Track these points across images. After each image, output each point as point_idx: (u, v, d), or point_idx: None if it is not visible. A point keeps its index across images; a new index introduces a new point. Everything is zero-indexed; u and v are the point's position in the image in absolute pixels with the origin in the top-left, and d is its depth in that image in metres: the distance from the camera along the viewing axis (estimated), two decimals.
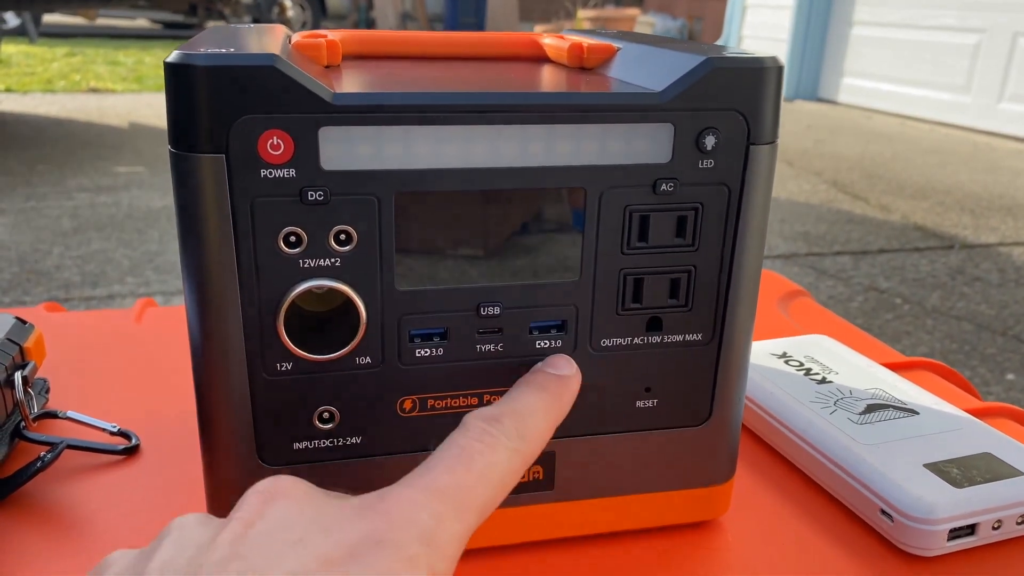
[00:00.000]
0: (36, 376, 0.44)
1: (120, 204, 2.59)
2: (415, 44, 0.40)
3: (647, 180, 0.30)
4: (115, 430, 0.43)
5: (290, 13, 7.60)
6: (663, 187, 0.31)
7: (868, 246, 2.42)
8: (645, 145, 0.30)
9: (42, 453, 0.38)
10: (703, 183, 0.31)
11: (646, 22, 7.06)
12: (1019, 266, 2.29)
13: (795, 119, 4.48)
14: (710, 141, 0.30)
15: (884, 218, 2.70)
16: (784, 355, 0.49)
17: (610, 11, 7.32)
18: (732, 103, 0.30)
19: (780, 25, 5.15)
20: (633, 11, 7.12)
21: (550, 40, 0.40)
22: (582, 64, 0.37)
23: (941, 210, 2.80)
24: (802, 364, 0.48)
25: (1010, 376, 1.64)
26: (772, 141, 0.31)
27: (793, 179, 3.14)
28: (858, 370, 0.47)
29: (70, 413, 0.43)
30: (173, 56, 0.27)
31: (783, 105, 4.91)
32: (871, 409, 0.43)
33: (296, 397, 0.30)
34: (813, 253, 2.35)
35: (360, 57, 0.39)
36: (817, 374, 0.46)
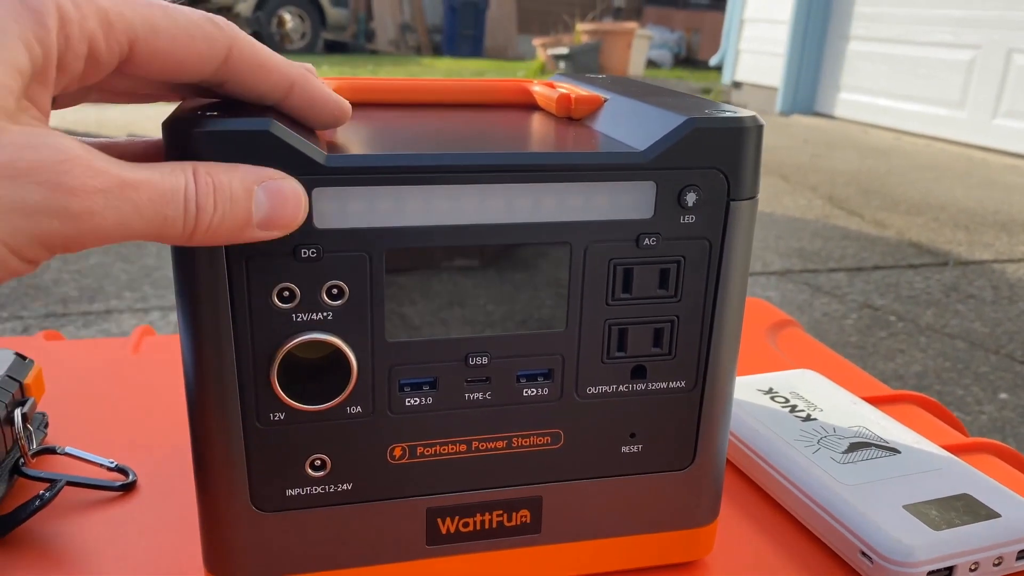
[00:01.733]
0: (35, 411, 0.45)
1: None
2: (408, 92, 0.41)
3: (631, 235, 0.31)
4: (112, 466, 0.43)
5: (289, 26, 7.64)
6: (646, 241, 0.32)
7: (863, 263, 2.43)
8: (628, 201, 0.31)
9: (42, 491, 0.39)
10: (685, 237, 0.32)
11: (644, 35, 7.10)
12: (1013, 283, 2.30)
13: (791, 133, 4.51)
14: (691, 198, 0.31)
15: (879, 234, 2.71)
16: (770, 391, 0.50)
17: (608, 24, 7.36)
18: (712, 161, 0.31)
19: (777, 39, 5.19)
20: (631, 25, 7.16)
21: (540, 89, 0.41)
22: (569, 115, 0.38)
23: (936, 226, 2.81)
24: (787, 400, 0.49)
25: (1003, 395, 1.65)
26: (752, 196, 0.32)
27: (789, 194, 3.15)
28: (842, 407, 0.48)
29: (68, 449, 0.43)
30: (170, 118, 0.28)
31: (779, 119, 4.94)
32: (854, 448, 0.43)
33: (289, 445, 0.31)
34: (808, 269, 2.36)
35: (353, 105, 0.40)
36: (802, 411, 0.47)
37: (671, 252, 0.32)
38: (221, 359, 0.30)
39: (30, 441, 0.42)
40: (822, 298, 2.14)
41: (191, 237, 0.25)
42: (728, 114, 0.32)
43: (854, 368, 0.61)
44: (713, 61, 6.23)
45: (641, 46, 6.89)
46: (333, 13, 8.07)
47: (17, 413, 0.41)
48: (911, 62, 4.49)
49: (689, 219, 0.32)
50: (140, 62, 0.25)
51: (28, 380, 0.44)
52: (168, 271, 2.15)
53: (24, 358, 0.45)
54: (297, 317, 0.30)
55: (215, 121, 0.27)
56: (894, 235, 2.71)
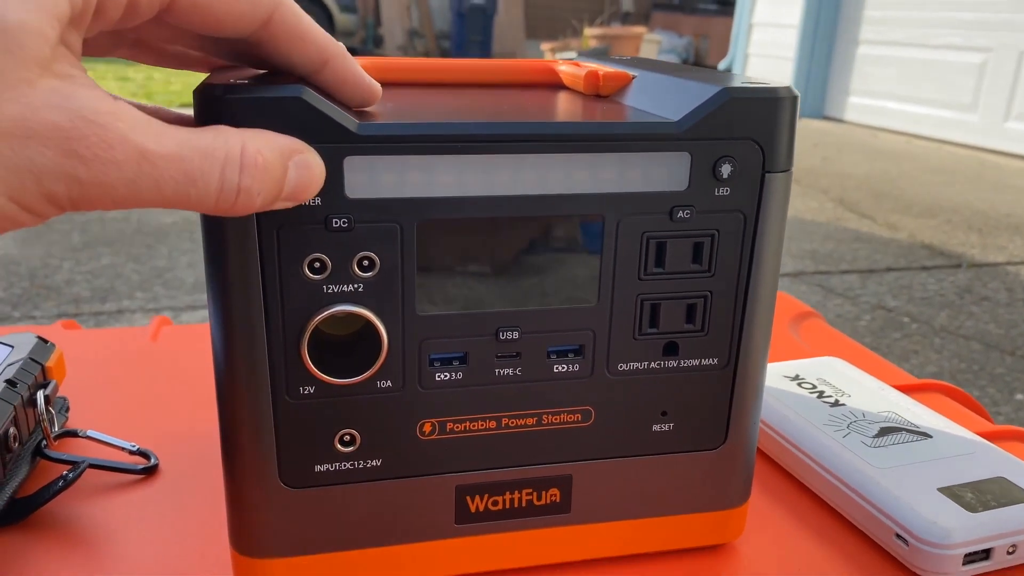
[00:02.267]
0: (57, 395, 0.45)
1: (130, 219, 2.61)
2: (434, 71, 0.41)
3: (664, 207, 0.31)
4: (134, 449, 0.43)
5: None
6: (680, 214, 0.31)
7: (875, 264, 2.42)
8: (662, 173, 0.31)
9: (64, 472, 0.39)
10: (719, 210, 0.31)
11: (652, 40, 7.11)
12: None
13: (801, 137, 4.50)
14: (726, 169, 0.31)
15: (891, 236, 2.70)
16: (797, 377, 0.49)
17: (616, 29, 7.37)
18: (748, 132, 0.31)
19: (786, 43, 5.18)
20: (639, 29, 7.16)
21: (566, 67, 0.41)
22: (598, 92, 0.38)
23: (948, 228, 2.80)
24: (815, 387, 0.48)
25: (1019, 396, 1.64)
26: (787, 169, 0.32)
27: (800, 197, 3.14)
28: (870, 392, 0.48)
29: (90, 432, 0.43)
30: (201, 85, 0.27)
31: None
32: (884, 432, 0.43)
33: (318, 420, 0.31)
34: (820, 271, 2.35)
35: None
36: (830, 397, 0.47)
37: (705, 225, 0.32)
38: (251, 331, 0.29)
39: (52, 424, 0.42)
40: (835, 299, 2.13)
41: (219, 210, 0.24)
42: (763, 85, 0.31)
43: (877, 357, 0.60)
44: (722, 66, 6.23)
45: (649, 51, 6.88)
46: (342, 19, 8.11)
47: (40, 395, 0.41)
48: (921, 65, 4.47)
49: (724, 191, 0.31)
50: (180, 12, 0.25)
51: (50, 363, 0.44)
52: (179, 272, 2.15)
53: (46, 342, 0.45)
54: (328, 289, 0.29)
55: (248, 88, 0.27)
56: (906, 237, 2.69)
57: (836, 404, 0.46)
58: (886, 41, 4.67)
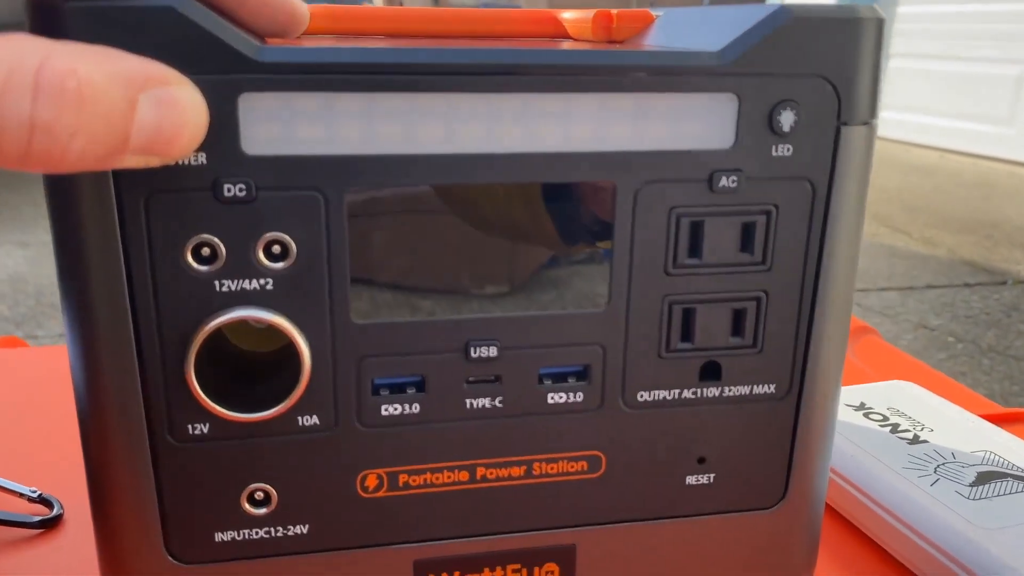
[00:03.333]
0: None
1: None
2: (401, 20, 0.32)
3: (701, 173, 0.22)
4: (35, 495, 0.35)
5: None
6: (723, 182, 0.22)
7: (914, 281, 2.30)
8: (698, 124, 0.22)
9: None
10: (778, 177, 0.22)
11: None
12: None
13: None
14: (787, 119, 0.22)
15: (929, 252, 2.58)
16: (862, 406, 0.40)
17: None
18: (817, 67, 0.22)
19: None
20: None
21: (570, 14, 0.32)
22: (611, 37, 0.29)
23: (989, 244, 2.67)
24: (886, 418, 0.38)
25: None
26: (870, 121, 0.23)
27: None
28: (956, 425, 0.38)
29: None
30: None
31: None
32: (984, 479, 0.33)
33: (216, 472, 0.22)
34: (857, 289, 2.23)
35: (329, 34, 0.31)
36: (907, 431, 0.37)
37: (759, 198, 0.23)
38: (115, 346, 0.21)
39: None
40: (874, 318, 2.02)
41: (8, 159, 0.16)
42: (833, 5, 0.22)
43: (949, 380, 0.50)
44: None
45: None
46: None
47: None
48: (955, 79, 4.35)
49: (784, 150, 0.22)
50: None
51: None
52: None
53: None
54: (222, 286, 0.21)
55: None
56: (945, 253, 2.57)
57: (916, 440, 0.36)
58: (918, 54, 4.56)
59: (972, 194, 3.39)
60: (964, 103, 4.30)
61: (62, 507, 0.34)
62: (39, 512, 0.34)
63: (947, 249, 2.61)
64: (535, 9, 0.33)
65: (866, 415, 0.39)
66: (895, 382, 0.43)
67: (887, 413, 0.39)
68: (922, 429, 0.37)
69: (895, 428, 0.38)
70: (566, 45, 0.29)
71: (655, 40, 0.27)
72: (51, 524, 0.34)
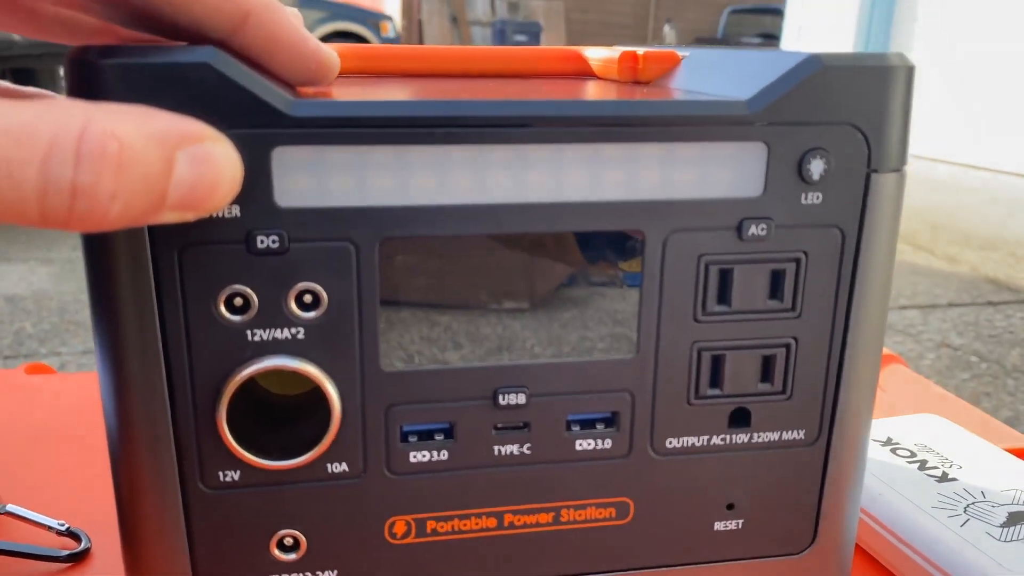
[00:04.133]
0: None
1: None
2: (428, 59, 0.32)
3: (730, 221, 0.22)
4: (63, 528, 0.35)
5: None
6: (752, 230, 0.22)
7: (937, 299, 2.28)
8: (728, 173, 0.22)
9: None
10: (807, 224, 0.22)
11: None
12: None
13: None
14: (817, 167, 0.22)
15: (952, 270, 2.55)
16: (889, 441, 0.39)
17: None
18: (847, 115, 0.22)
19: None
20: None
21: (595, 52, 0.32)
22: (636, 77, 0.29)
23: (1013, 262, 2.64)
24: (914, 454, 0.38)
25: None
26: (899, 168, 0.23)
27: None
28: (985, 462, 0.37)
29: (9, 507, 0.35)
30: (74, 50, 0.19)
31: None
32: (1015, 519, 0.33)
33: (247, 518, 0.22)
34: None
35: (357, 75, 0.31)
36: (935, 468, 0.37)
37: (789, 246, 0.22)
38: (148, 394, 0.21)
39: None
40: (895, 336, 2.00)
41: (51, 221, 0.16)
42: (865, 52, 0.22)
43: (979, 413, 0.50)
44: None
45: None
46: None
47: None
48: (979, 94, 4.32)
49: (814, 198, 0.22)
50: None
51: None
52: None
53: None
54: (254, 335, 0.21)
55: (137, 52, 0.19)
56: (968, 271, 2.54)
57: (945, 478, 0.36)
58: (939, 71, 4.53)
59: (996, 210, 3.36)
60: (989, 118, 4.27)
61: (90, 540, 0.35)
62: (67, 546, 0.34)
63: (970, 267, 2.59)
64: (560, 48, 0.33)
65: (893, 451, 0.38)
66: (922, 415, 0.43)
67: (915, 449, 0.39)
68: (951, 466, 0.37)
69: (923, 465, 0.37)
70: (591, 85, 0.29)
71: (682, 82, 0.27)
72: (79, 558, 0.34)
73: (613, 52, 0.30)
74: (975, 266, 2.59)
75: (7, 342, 1.86)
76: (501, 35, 7.53)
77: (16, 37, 2.84)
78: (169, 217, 0.18)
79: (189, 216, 0.18)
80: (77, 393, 0.50)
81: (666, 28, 8.02)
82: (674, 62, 0.28)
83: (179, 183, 0.17)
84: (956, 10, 4.38)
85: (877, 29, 4.85)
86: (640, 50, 0.29)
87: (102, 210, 0.16)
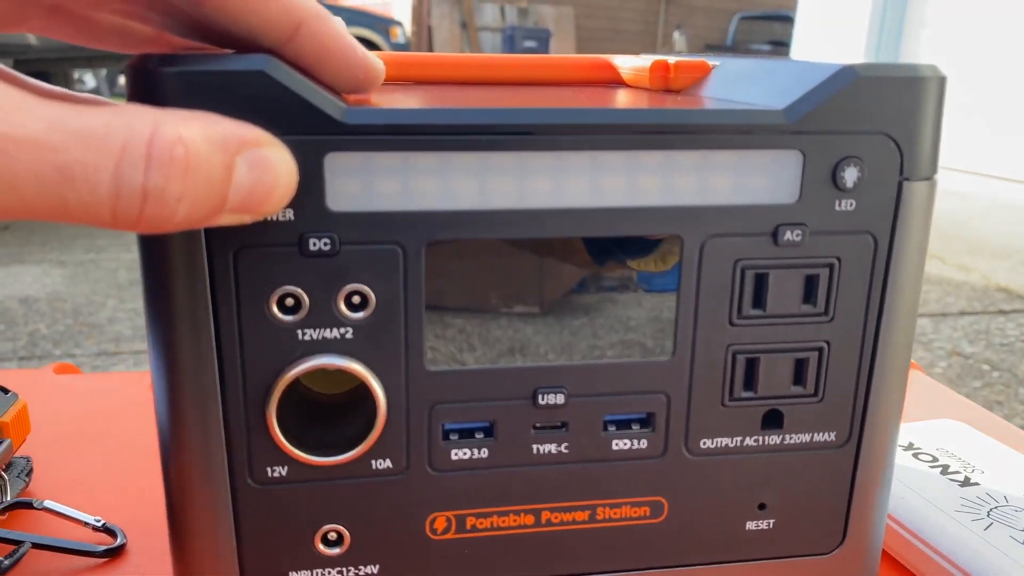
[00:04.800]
0: (16, 455, 0.38)
1: None
2: (464, 67, 0.33)
3: (766, 226, 0.23)
4: (99, 524, 0.36)
5: None
6: (787, 236, 0.23)
7: (948, 308, 2.27)
8: (764, 180, 0.22)
9: (0, 557, 0.31)
10: (841, 231, 0.23)
11: None
12: None
13: None
14: (851, 175, 0.23)
15: (963, 278, 2.55)
16: (911, 446, 0.40)
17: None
18: (881, 125, 0.22)
19: None
20: None
21: (625, 61, 0.33)
22: (668, 86, 0.30)
23: None
24: (935, 459, 0.38)
25: None
26: (931, 176, 0.23)
27: None
28: (1007, 467, 0.38)
29: (47, 503, 0.36)
30: (134, 59, 0.20)
31: None
32: None
33: (293, 512, 0.23)
34: None
35: (394, 82, 0.32)
36: (957, 472, 0.37)
37: (822, 251, 0.23)
38: (201, 391, 0.22)
39: (3, 492, 0.35)
40: None
41: (122, 223, 0.17)
42: (897, 63, 0.23)
43: (998, 419, 0.50)
44: None
45: None
46: None
47: None
48: (988, 102, 4.31)
49: (847, 205, 0.23)
50: None
51: (6, 418, 0.37)
52: None
53: (6, 391, 0.38)
54: (304, 335, 0.21)
55: (195, 60, 0.20)
56: (979, 279, 2.54)
57: (967, 483, 0.36)
58: (952, 77, 4.52)
59: (1008, 218, 3.35)
60: (1002, 125, 4.26)
61: (125, 536, 0.35)
62: (103, 541, 0.35)
63: (981, 275, 2.58)
64: (591, 56, 0.34)
65: (915, 455, 0.39)
66: (942, 421, 0.43)
67: (936, 453, 0.39)
68: (973, 471, 0.37)
69: (945, 469, 0.37)
70: (623, 93, 0.30)
71: (714, 92, 0.27)
72: (115, 553, 0.35)
73: (644, 61, 0.31)
74: (986, 274, 2.59)
75: (22, 343, 1.88)
76: (511, 41, 7.55)
77: (32, 39, 2.85)
78: (228, 220, 0.18)
79: (246, 219, 0.19)
80: (105, 393, 0.51)
81: (676, 35, 8.02)
82: (705, 71, 0.29)
83: (239, 187, 0.18)
84: (966, 17, 4.37)
85: (888, 36, 4.85)
86: (671, 59, 0.29)
87: (169, 212, 0.17)
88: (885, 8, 4.80)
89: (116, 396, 0.50)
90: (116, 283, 2.33)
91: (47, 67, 3.47)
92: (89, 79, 6.53)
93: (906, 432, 0.41)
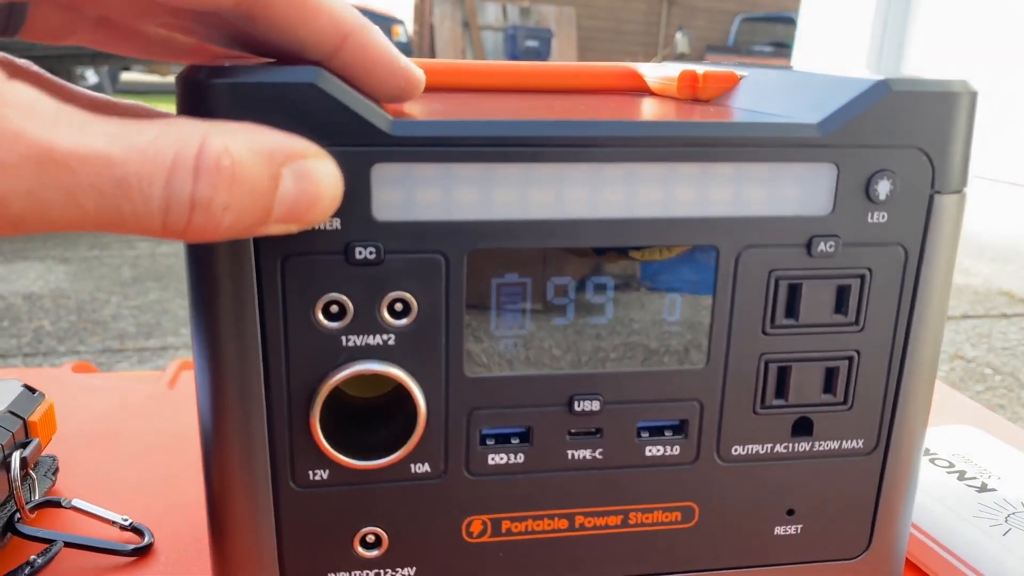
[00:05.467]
0: (43, 454, 0.38)
1: (179, 254, 2.60)
2: (490, 75, 0.33)
3: (800, 238, 0.23)
4: (127, 524, 0.36)
5: None
6: (821, 247, 0.23)
7: (950, 311, 2.28)
8: (798, 192, 0.23)
9: (33, 556, 0.32)
10: (873, 243, 0.23)
11: None
12: None
13: None
14: (884, 188, 0.23)
15: (965, 282, 2.55)
16: (928, 452, 0.40)
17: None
18: (914, 139, 0.23)
19: None
20: None
21: (652, 70, 0.33)
22: (696, 96, 0.30)
23: None
24: (952, 465, 0.39)
25: None
26: (960, 189, 0.24)
27: None
28: (1023, 473, 0.38)
29: (75, 502, 0.36)
30: (185, 70, 0.21)
31: None
32: None
33: (333, 514, 0.23)
34: None
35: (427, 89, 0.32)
36: (974, 478, 0.38)
37: (854, 263, 0.23)
38: (246, 396, 0.22)
39: (31, 491, 0.35)
40: None
41: (171, 232, 0.17)
42: (930, 78, 0.23)
43: (1009, 424, 0.50)
44: None
45: None
46: None
47: (15, 457, 0.34)
48: (991, 105, 4.31)
49: (879, 217, 0.23)
50: None
51: (35, 417, 0.37)
52: None
53: (33, 391, 0.38)
54: (348, 341, 0.22)
55: (244, 72, 0.20)
56: (981, 283, 2.54)
57: (984, 489, 0.37)
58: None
59: (1010, 222, 3.36)
60: (1004, 129, 4.26)
61: (152, 536, 0.36)
62: (130, 540, 0.35)
63: (983, 279, 2.59)
64: (619, 64, 0.34)
65: (932, 461, 0.39)
66: (957, 427, 0.43)
67: (952, 459, 0.39)
68: (989, 477, 0.38)
69: (962, 475, 0.38)
70: (652, 103, 0.30)
71: (743, 102, 0.28)
72: (143, 552, 0.35)
73: (672, 70, 0.31)
74: (988, 278, 2.59)
75: (26, 340, 1.88)
76: (512, 41, 7.55)
77: None
78: (275, 229, 0.19)
79: (292, 228, 0.19)
80: (123, 392, 0.51)
81: (678, 36, 8.02)
82: (733, 82, 0.29)
83: (284, 197, 0.18)
84: (967, 22, 4.38)
85: (891, 38, 4.86)
86: (700, 69, 0.30)
87: (216, 222, 0.17)
88: (888, 9, 4.80)
89: (135, 395, 0.51)
90: (120, 280, 2.33)
91: (51, 64, 3.47)
92: (91, 75, 6.52)
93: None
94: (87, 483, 0.40)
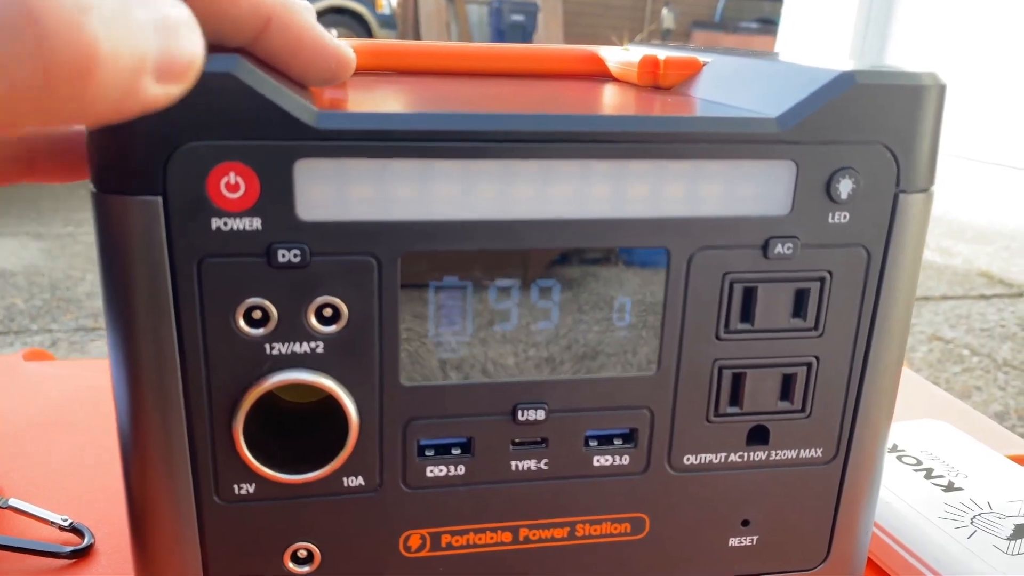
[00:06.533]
0: None
1: None
2: (441, 57, 0.32)
3: (756, 239, 0.22)
4: (66, 524, 0.35)
5: None
6: (778, 249, 0.22)
7: (929, 292, 2.29)
8: (755, 190, 0.21)
9: None
10: (834, 244, 0.22)
11: None
12: None
13: None
14: (846, 186, 0.22)
15: (945, 263, 2.56)
16: (895, 448, 0.39)
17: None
18: (878, 134, 0.21)
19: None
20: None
21: (613, 54, 0.32)
22: (656, 82, 0.29)
23: (1007, 255, 2.65)
24: (919, 462, 0.38)
25: None
26: (927, 188, 0.23)
27: None
28: (991, 471, 0.38)
29: (11, 501, 0.35)
30: None
31: None
32: (1021, 532, 0.33)
33: (261, 530, 0.22)
34: None
35: (372, 73, 0.31)
36: (941, 477, 0.37)
37: (814, 265, 0.22)
38: (164, 406, 0.21)
39: None
40: None
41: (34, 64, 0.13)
42: (894, 69, 0.22)
43: (984, 419, 0.50)
44: None
45: None
46: (380, 35, 8.12)
47: None
48: (973, 86, 4.32)
49: (841, 217, 0.22)
50: None
51: None
52: None
53: None
54: (272, 349, 0.20)
55: None
56: (961, 264, 2.55)
57: (951, 488, 0.36)
58: (936, 58, 4.52)
59: (990, 203, 3.37)
60: (981, 108, 4.27)
61: (93, 536, 0.34)
62: (70, 541, 0.34)
63: (963, 259, 2.60)
64: (578, 48, 0.33)
65: (899, 458, 0.38)
66: (927, 421, 0.43)
67: (921, 456, 0.39)
68: (957, 475, 0.37)
69: (929, 473, 0.37)
70: (610, 90, 0.29)
71: (704, 92, 0.26)
72: (82, 554, 0.34)
73: (633, 55, 0.30)
74: (968, 259, 2.61)
75: None
76: (498, 14, 7.46)
77: None
78: (152, 92, 0.15)
79: (172, 89, 0.15)
80: (77, 381, 0.50)
81: (664, 11, 7.97)
82: (695, 69, 0.28)
83: (152, 43, 0.14)
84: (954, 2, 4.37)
85: (877, 13, 4.84)
86: (661, 55, 0.28)
87: (88, 46, 0.13)
88: None
89: (88, 384, 0.49)
90: (94, 258, 2.29)
91: None
92: None
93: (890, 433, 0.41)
94: (28, 481, 0.38)
